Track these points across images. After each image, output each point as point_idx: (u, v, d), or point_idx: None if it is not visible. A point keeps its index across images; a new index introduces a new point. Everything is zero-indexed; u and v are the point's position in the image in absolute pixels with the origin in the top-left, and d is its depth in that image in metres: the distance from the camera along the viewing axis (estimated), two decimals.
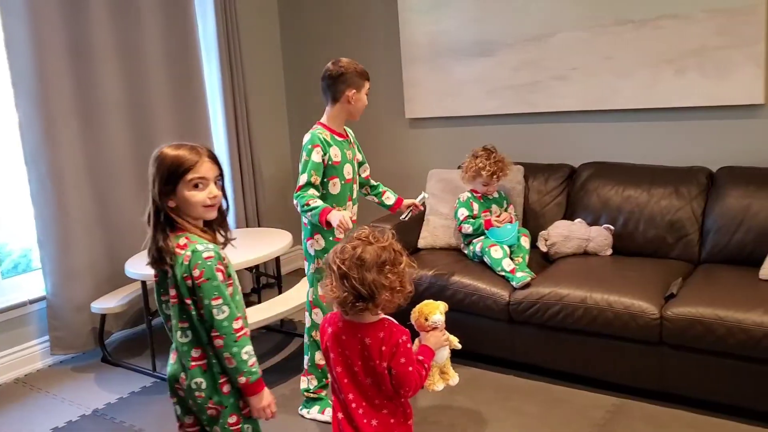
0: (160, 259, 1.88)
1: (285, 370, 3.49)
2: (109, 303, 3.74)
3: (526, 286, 3.16)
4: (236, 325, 1.85)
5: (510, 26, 3.95)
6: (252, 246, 3.69)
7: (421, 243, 3.79)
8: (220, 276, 1.85)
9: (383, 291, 1.85)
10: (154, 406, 3.26)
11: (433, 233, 3.78)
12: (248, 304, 3.09)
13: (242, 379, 1.87)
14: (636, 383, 2.94)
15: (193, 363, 1.91)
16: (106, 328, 3.90)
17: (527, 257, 3.40)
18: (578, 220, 3.52)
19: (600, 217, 3.50)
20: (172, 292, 1.90)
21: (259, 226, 4.69)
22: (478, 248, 3.43)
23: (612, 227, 3.43)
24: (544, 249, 3.52)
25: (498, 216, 3.49)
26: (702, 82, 3.43)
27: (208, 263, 1.84)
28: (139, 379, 3.56)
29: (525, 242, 3.46)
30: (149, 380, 3.53)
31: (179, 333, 1.91)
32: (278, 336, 3.97)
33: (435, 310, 2.34)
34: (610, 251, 3.42)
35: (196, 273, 1.83)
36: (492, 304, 3.21)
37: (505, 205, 3.61)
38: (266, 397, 1.93)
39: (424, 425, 2.83)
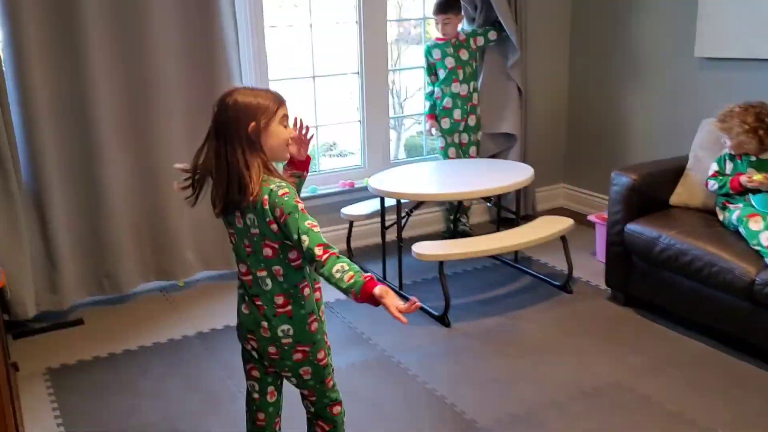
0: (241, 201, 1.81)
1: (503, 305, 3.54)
2: None
3: None
4: (318, 251, 1.73)
5: None
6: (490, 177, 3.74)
7: (674, 199, 3.43)
8: (300, 206, 1.79)
9: None
10: None
11: (690, 190, 3.39)
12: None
13: (350, 296, 1.73)
14: None
15: (279, 310, 1.88)
16: None
17: None
18: None
19: None
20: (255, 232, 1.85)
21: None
22: (734, 216, 3.02)
23: None
24: None
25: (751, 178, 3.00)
26: None
27: (285, 199, 1.78)
28: None
29: None
30: None
31: (260, 280, 1.88)
32: (509, 269, 3.97)
33: None
34: None
35: (278, 213, 1.78)
36: (733, 279, 2.84)
37: None
38: (386, 298, 1.68)
39: None
